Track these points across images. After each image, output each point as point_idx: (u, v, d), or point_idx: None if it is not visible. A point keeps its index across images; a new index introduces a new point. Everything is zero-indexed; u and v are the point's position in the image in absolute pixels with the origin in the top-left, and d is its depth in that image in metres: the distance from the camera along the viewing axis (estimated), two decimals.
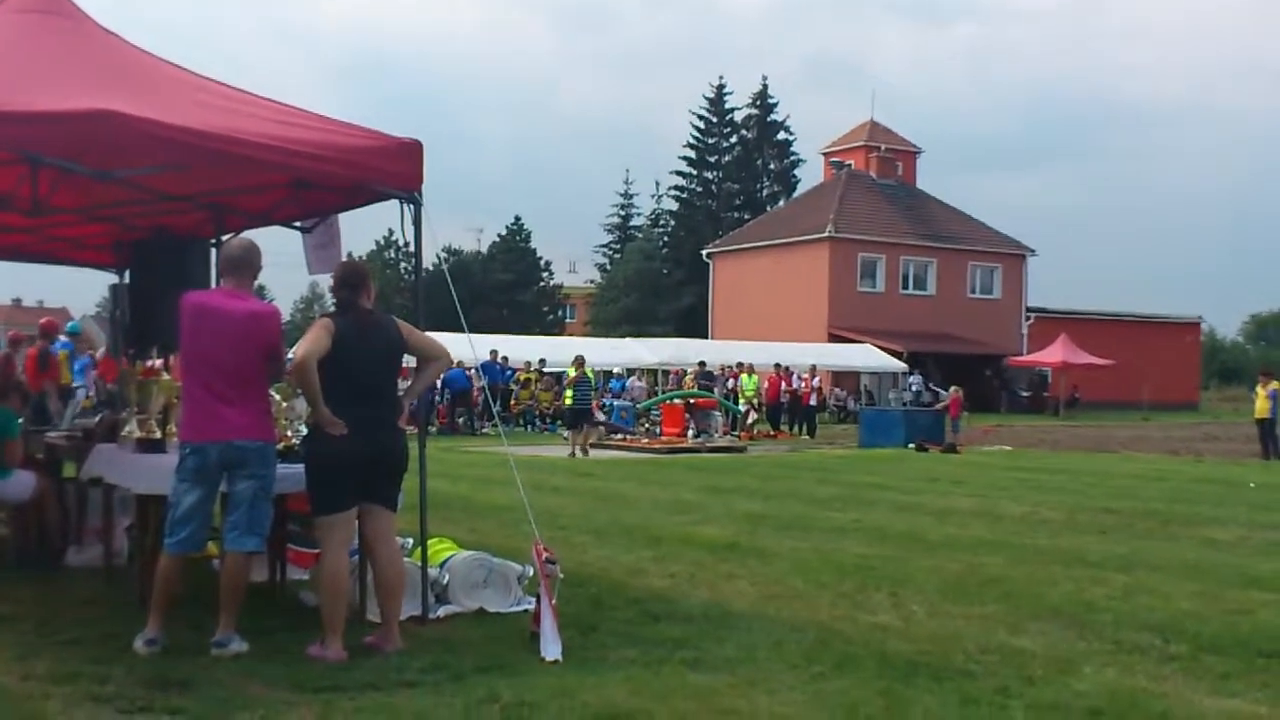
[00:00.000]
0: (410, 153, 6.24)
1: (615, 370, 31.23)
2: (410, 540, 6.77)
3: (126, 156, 5.77)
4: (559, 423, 28.24)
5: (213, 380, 5.51)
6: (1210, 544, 10.12)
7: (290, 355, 5.71)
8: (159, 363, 7.75)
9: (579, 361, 21.58)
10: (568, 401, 22.42)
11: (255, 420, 5.59)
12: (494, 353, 28.76)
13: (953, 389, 25.96)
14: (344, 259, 7.27)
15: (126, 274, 8.75)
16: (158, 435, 6.64)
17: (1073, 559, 9.01)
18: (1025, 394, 49.44)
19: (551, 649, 5.52)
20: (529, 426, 29.03)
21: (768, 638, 6.07)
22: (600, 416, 25.62)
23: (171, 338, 6.17)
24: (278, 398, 7.01)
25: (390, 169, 6.19)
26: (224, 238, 8.27)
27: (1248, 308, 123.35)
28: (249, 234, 8.37)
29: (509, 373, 29.27)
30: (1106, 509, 12.56)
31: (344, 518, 5.62)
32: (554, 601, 5.72)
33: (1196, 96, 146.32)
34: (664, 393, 29.42)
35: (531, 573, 6.42)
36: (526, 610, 6.28)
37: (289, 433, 6.85)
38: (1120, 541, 10.10)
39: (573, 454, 20.04)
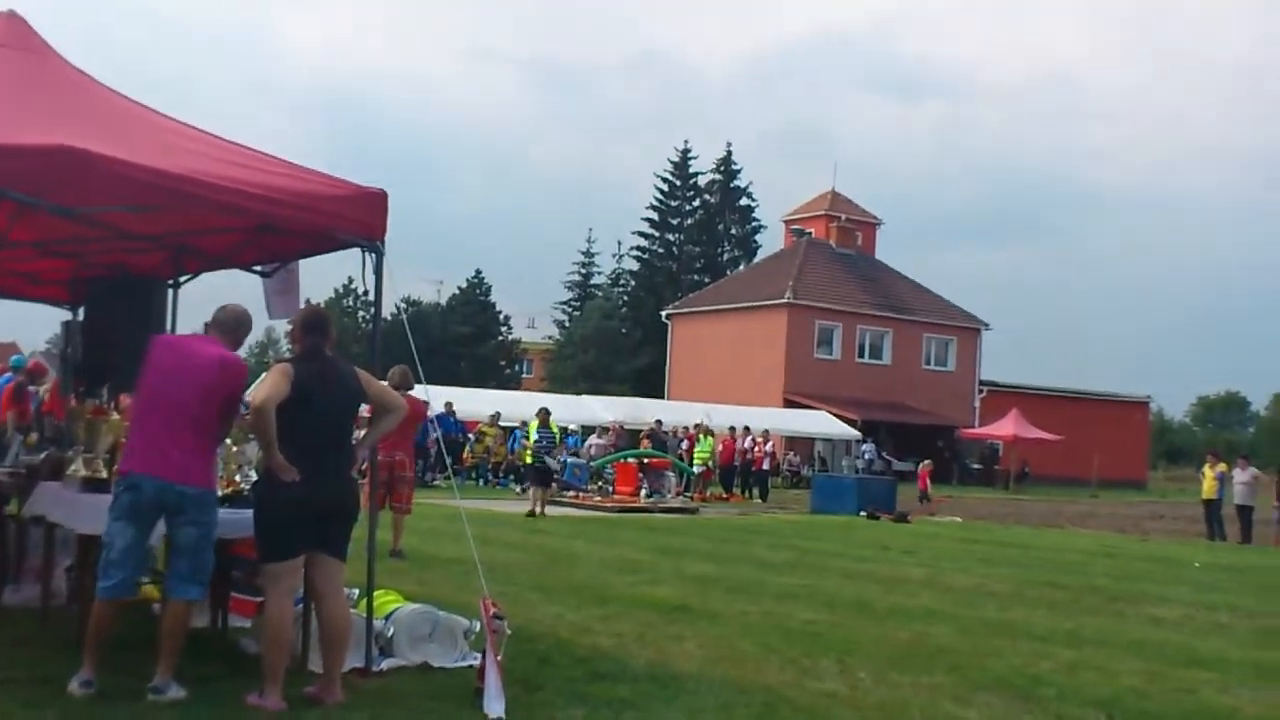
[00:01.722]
0: (374, 202, 6.22)
1: (571, 427, 31.01)
2: (356, 591, 6.68)
3: (89, 194, 5.73)
4: (510, 478, 28.06)
5: (167, 418, 5.45)
6: (1155, 622, 10.20)
7: (247, 400, 5.67)
8: (110, 403, 7.64)
9: (543, 415, 20.36)
10: (527, 458, 21.15)
11: (200, 466, 5.51)
12: (448, 405, 28.62)
13: (924, 463, 26.26)
14: (303, 305, 7.25)
15: (80, 311, 8.65)
16: (104, 475, 6.51)
17: (1019, 632, 9.04)
18: (976, 466, 49.81)
19: (495, 706, 5.44)
20: (481, 480, 28.85)
21: (715, 701, 6.04)
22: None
23: (123, 378, 6.12)
24: (228, 441, 6.94)
25: (354, 217, 6.16)
26: (182, 279, 8.27)
27: (1196, 390, 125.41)
28: (208, 278, 8.38)
29: (461, 425, 29.13)
30: (1053, 583, 12.64)
31: (292, 565, 5.55)
32: (500, 658, 5.66)
33: (1153, 182, 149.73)
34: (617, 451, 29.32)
35: (479, 628, 6.36)
36: (472, 666, 6.20)
37: (237, 477, 6.79)
38: (1067, 616, 10.16)
39: (532, 512, 18.80)
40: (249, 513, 5.79)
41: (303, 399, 5.44)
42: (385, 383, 6.54)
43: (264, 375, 5.71)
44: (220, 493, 6.53)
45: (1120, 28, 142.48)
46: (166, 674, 5.35)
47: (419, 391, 12.47)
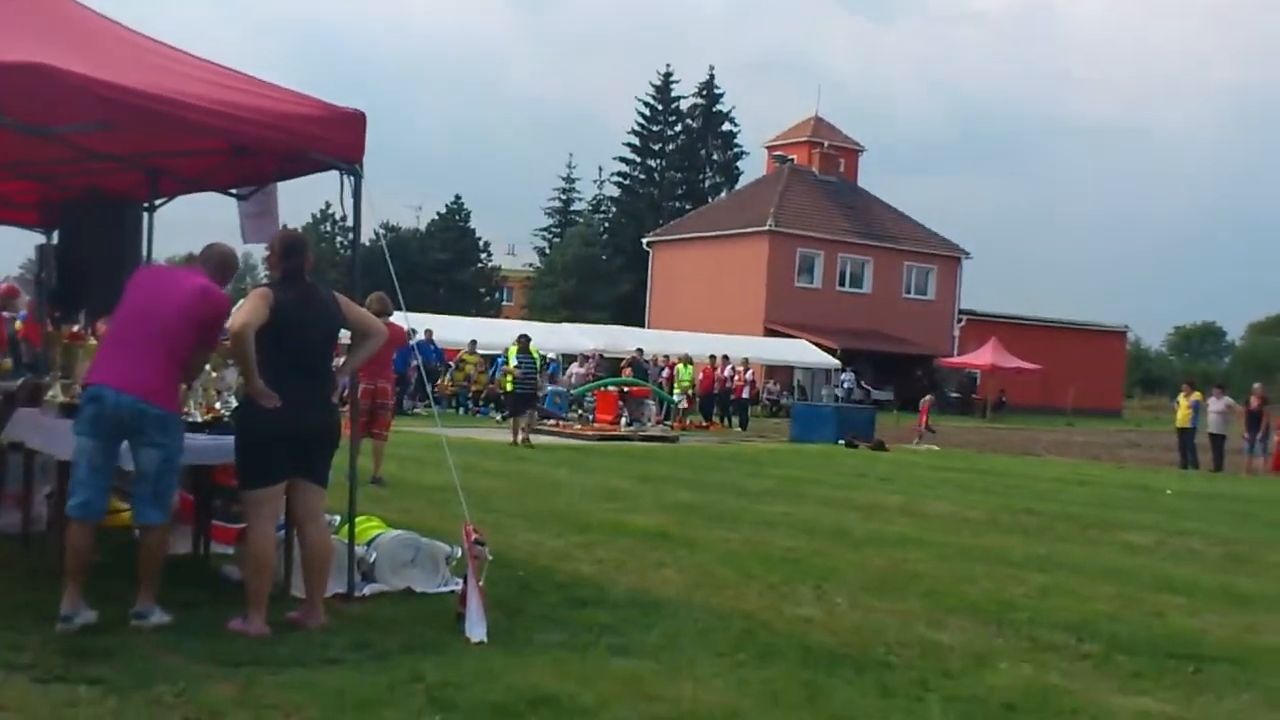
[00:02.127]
0: (353, 123, 6.14)
1: (550, 355, 30.99)
2: (338, 517, 6.71)
3: (56, 112, 5.60)
4: (491, 406, 28.05)
5: (139, 337, 5.41)
6: (1127, 548, 10.36)
7: (226, 327, 5.62)
8: (87, 328, 7.58)
9: (523, 341, 19.80)
10: (507, 386, 20.60)
11: (163, 388, 5.42)
12: (429, 332, 28.54)
13: (925, 398, 26.55)
14: (280, 229, 7.17)
15: (54, 235, 8.53)
16: None
17: (994, 558, 9.18)
18: (954, 395, 50.17)
19: (477, 630, 5.51)
20: (461, 409, 28.88)
21: (693, 626, 6.12)
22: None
23: (99, 302, 6.06)
24: (207, 367, 6.91)
25: (332, 138, 6.07)
26: (158, 202, 8.16)
27: (1173, 319, 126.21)
28: (184, 203, 8.28)
29: (440, 353, 29.08)
30: (1028, 510, 12.80)
31: (273, 492, 5.57)
32: (481, 583, 5.71)
33: (1133, 114, 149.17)
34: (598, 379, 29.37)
35: (460, 554, 6.40)
36: (453, 591, 6.26)
37: (217, 404, 6.77)
38: (1040, 543, 10.31)
39: (515, 441, 18.73)
40: (229, 439, 5.77)
41: (282, 324, 5.41)
42: (364, 308, 6.50)
43: (242, 300, 5.66)
44: (200, 418, 6.55)
45: None
46: (148, 599, 5.38)
47: (398, 318, 12.43)
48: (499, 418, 25.55)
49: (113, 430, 5.33)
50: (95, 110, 5.46)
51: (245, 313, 5.37)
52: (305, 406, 5.50)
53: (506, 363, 20.81)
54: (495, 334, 30.76)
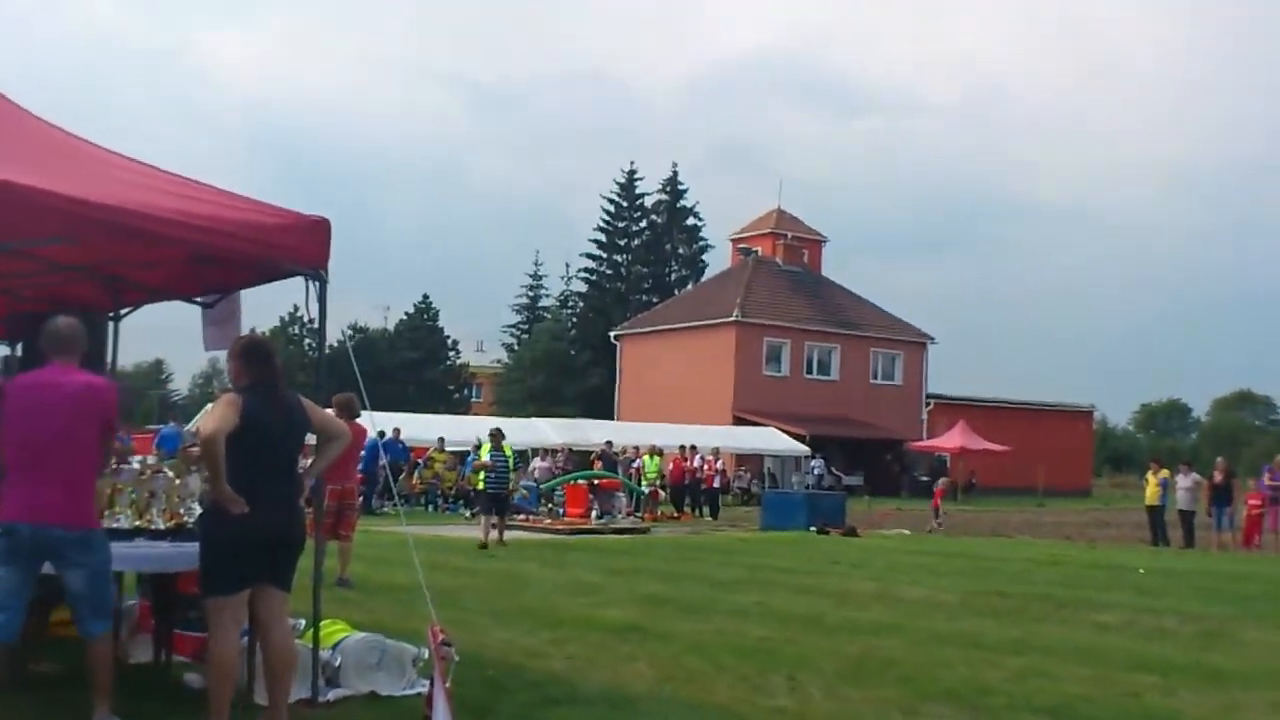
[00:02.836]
0: (317, 230, 6.14)
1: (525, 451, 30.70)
2: (302, 621, 6.60)
3: (16, 227, 5.64)
4: (460, 503, 27.81)
5: (35, 460, 5.26)
6: (1100, 627, 10.33)
7: (194, 431, 5.59)
8: None
9: (495, 437, 18.31)
10: (478, 484, 19.41)
11: (77, 506, 5.28)
12: (396, 430, 28.43)
13: (940, 480, 26.28)
14: (245, 333, 7.17)
15: (18, 347, 8.48)
16: None
17: (968, 642, 9.13)
18: (925, 478, 50.23)
19: None
20: (430, 505, 28.63)
21: None
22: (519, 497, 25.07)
23: None
24: (169, 473, 6.86)
25: (296, 246, 6.07)
26: (123, 311, 8.16)
27: (1138, 397, 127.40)
28: (151, 310, 8.27)
29: (406, 451, 28.97)
30: (1001, 593, 12.77)
31: (238, 599, 5.48)
32: (449, 685, 5.61)
33: (1087, 195, 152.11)
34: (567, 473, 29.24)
35: (427, 655, 6.31)
36: (420, 694, 6.15)
37: (180, 510, 6.70)
38: (1014, 625, 10.27)
39: (484, 542, 17.16)
40: (192, 546, 5.69)
41: (251, 429, 5.38)
42: (330, 410, 6.49)
43: (210, 406, 5.62)
44: (163, 525, 6.48)
45: (1044, 40, 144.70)
46: (103, 709, 5.29)
47: (365, 418, 12.42)
48: (468, 514, 25.32)
49: (31, 557, 5.23)
50: (58, 225, 5.49)
51: (215, 419, 5.33)
52: (273, 512, 5.45)
53: (478, 459, 19.98)
54: (464, 430, 30.63)
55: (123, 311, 8.17)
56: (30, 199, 5.12)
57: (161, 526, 6.47)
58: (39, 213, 5.28)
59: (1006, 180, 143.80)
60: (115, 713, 5.32)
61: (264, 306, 63.62)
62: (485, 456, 18.53)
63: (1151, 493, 23.67)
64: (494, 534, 17.64)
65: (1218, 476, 23.22)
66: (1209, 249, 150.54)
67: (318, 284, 6.20)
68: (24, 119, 6.32)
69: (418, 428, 31.96)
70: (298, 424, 5.68)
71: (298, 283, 6.30)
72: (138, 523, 6.50)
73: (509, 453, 18.41)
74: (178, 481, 6.74)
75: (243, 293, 7.50)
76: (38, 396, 5.34)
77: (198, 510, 6.64)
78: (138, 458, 17.37)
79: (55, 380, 5.40)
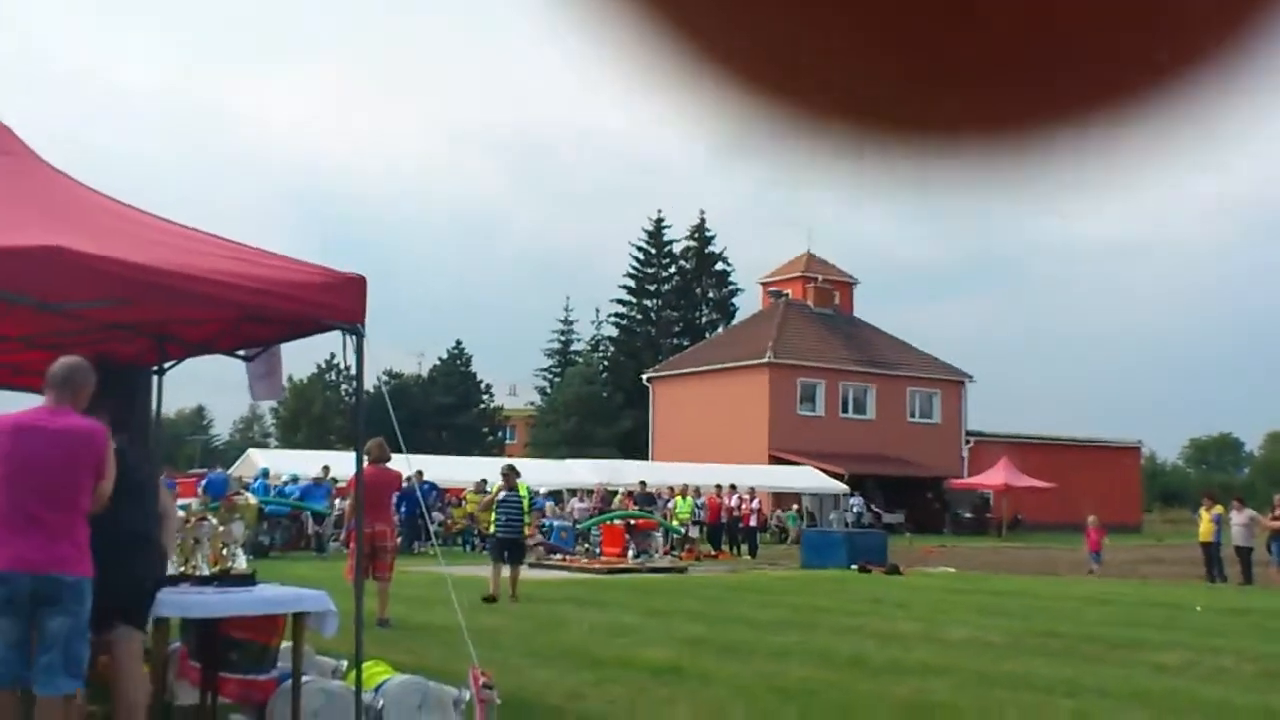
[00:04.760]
0: (354, 287, 6.33)
1: (542, 490, 30.26)
2: (345, 662, 6.53)
3: (72, 289, 5.85)
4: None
5: (32, 505, 5.08)
6: (1157, 669, 9.97)
7: (239, 478, 5.56)
8: None
9: (509, 474, 16.14)
10: (490, 527, 17.47)
11: (76, 554, 5.11)
12: (419, 473, 28.32)
13: (1091, 519, 25.61)
14: (285, 385, 7.33)
15: None
16: None
17: (1019, 684, 8.82)
18: (968, 516, 49.61)
19: None
20: (467, 546, 28.52)
21: None
22: (538, 539, 24.87)
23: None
24: (214, 520, 6.94)
25: (334, 303, 6.27)
26: (166, 365, 8.31)
27: (1187, 432, 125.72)
28: (192, 359, 8.38)
29: (437, 491, 28.99)
30: (1051, 633, 12.40)
31: None
32: None
33: (1131, 229, 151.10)
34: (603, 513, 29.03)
35: (469, 697, 6.19)
36: None
37: (224, 552, 6.80)
38: (1067, 665, 9.93)
39: (492, 596, 14.86)
40: (240, 592, 5.67)
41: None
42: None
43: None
44: (207, 571, 6.59)
45: None
46: None
47: (400, 460, 12.48)
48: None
49: (28, 607, 5.04)
50: (110, 288, 5.73)
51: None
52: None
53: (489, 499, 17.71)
54: (497, 472, 30.48)
55: (167, 365, 8.38)
56: (87, 264, 5.37)
57: (206, 572, 6.61)
58: (94, 277, 5.51)
59: (1047, 214, 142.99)
60: None
61: (302, 353, 64.19)
62: (497, 499, 16.32)
63: (1205, 529, 23.14)
64: (507, 578, 15.46)
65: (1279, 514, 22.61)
66: (1254, 280, 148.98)
67: (355, 338, 6.40)
68: (72, 188, 6.68)
69: (450, 469, 31.92)
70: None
71: (335, 331, 6.50)
72: (182, 569, 6.64)
73: (524, 492, 16.27)
74: (221, 528, 6.93)
75: (281, 346, 7.71)
76: (33, 438, 5.19)
77: (241, 556, 6.76)
78: (183, 501, 17.67)
79: (42, 423, 5.26)
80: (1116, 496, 52.74)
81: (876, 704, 7.76)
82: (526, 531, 16.90)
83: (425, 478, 28.13)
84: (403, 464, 13.51)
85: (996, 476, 46.63)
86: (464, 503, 29.08)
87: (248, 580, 6.68)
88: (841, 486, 42.19)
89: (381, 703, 6.34)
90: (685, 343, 64.27)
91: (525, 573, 16.93)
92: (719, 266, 70.25)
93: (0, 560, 5.05)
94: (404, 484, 16.61)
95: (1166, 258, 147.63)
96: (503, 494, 15.98)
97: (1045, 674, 9.36)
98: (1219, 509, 23.36)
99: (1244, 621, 14.32)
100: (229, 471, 30.05)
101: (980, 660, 10.17)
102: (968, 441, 52.73)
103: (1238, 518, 23.02)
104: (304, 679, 6.27)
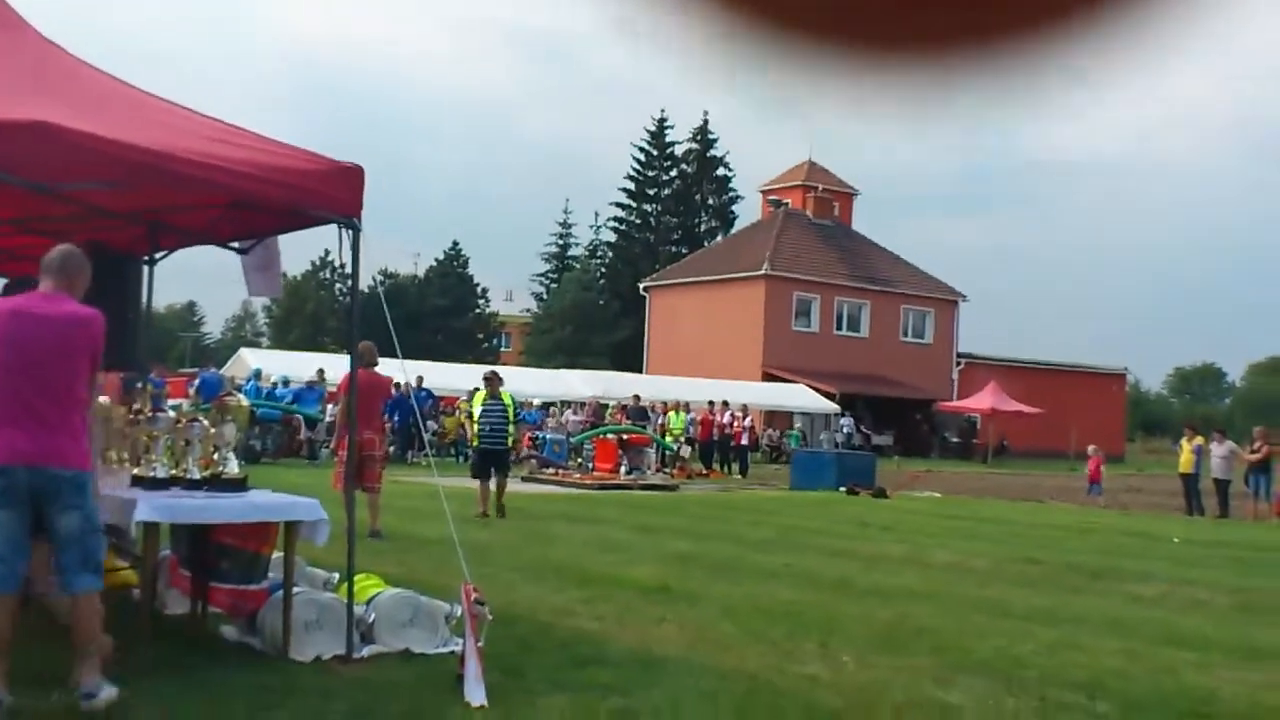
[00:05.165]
0: (350, 178, 6.16)
1: (535, 402, 30.34)
2: (336, 575, 6.60)
3: (62, 170, 5.63)
4: None
5: (28, 395, 4.91)
6: (1135, 599, 10.23)
7: (232, 378, 5.56)
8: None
9: (492, 381, 15.25)
10: (473, 440, 16.20)
11: (70, 445, 4.97)
12: (419, 379, 28.29)
13: (1091, 448, 25.83)
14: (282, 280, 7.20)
15: None
16: None
17: (1000, 611, 9.05)
18: (955, 440, 50.01)
19: (476, 694, 5.40)
20: (461, 456, 28.66)
21: (696, 686, 6.01)
22: (526, 452, 24.94)
23: (108, 355, 5.95)
24: (205, 422, 6.85)
25: (329, 193, 6.09)
26: (158, 255, 8.19)
27: (1172, 361, 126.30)
28: (184, 252, 8.30)
29: (432, 398, 28.95)
30: (1032, 560, 12.68)
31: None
32: (480, 644, 5.60)
33: (1130, 150, 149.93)
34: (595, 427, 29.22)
35: (459, 612, 6.29)
36: (453, 652, 6.15)
37: (215, 456, 6.67)
38: (1046, 594, 10.18)
39: (483, 511, 14.45)
40: (231, 497, 5.67)
41: None
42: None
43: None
44: (198, 475, 6.46)
45: None
46: (93, 674, 4.93)
47: (394, 366, 12.17)
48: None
49: (27, 500, 4.92)
50: (99, 168, 5.50)
51: None
52: None
53: (471, 410, 16.77)
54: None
55: (158, 255, 8.22)
56: (74, 142, 5.16)
57: (197, 476, 6.43)
58: (82, 156, 5.28)
59: (1048, 131, 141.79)
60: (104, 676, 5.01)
61: (296, 249, 63.86)
62: (478, 407, 15.30)
63: (1185, 460, 23.41)
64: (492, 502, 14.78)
65: (1259, 446, 22.83)
66: (1248, 210, 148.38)
67: (351, 232, 6.22)
68: (65, 61, 6.36)
69: (445, 376, 31.86)
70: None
71: (330, 227, 6.33)
72: (173, 472, 6.44)
73: (508, 401, 15.33)
74: (213, 430, 6.69)
75: (278, 238, 7.53)
76: (26, 325, 5.00)
77: (233, 460, 6.66)
78: (173, 402, 17.59)
79: (38, 309, 5.07)
80: (1101, 424, 53.01)
81: (861, 626, 7.98)
82: (511, 443, 15.97)
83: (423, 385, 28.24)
84: (398, 370, 13.36)
85: (984, 400, 46.84)
86: (458, 411, 29.18)
87: (240, 485, 6.49)
88: (833, 406, 42.48)
89: (373, 616, 6.44)
90: (684, 250, 64.05)
91: (517, 487, 17.10)
92: (720, 171, 69.69)
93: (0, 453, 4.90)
94: (395, 390, 16.61)
95: (1162, 178, 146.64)
96: (485, 403, 15.08)
97: (1025, 601, 9.61)
98: (1200, 440, 23.59)
99: (1220, 554, 14.62)
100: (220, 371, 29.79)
101: (963, 586, 10.43)
102: (958, 363, 52.93)
103: (1218, 450, 23.26)
104: (295, 590, 6.25)
